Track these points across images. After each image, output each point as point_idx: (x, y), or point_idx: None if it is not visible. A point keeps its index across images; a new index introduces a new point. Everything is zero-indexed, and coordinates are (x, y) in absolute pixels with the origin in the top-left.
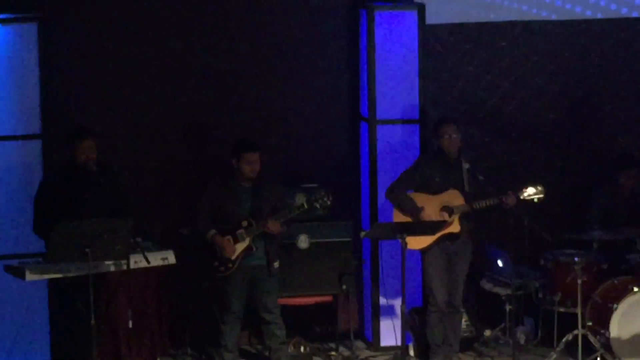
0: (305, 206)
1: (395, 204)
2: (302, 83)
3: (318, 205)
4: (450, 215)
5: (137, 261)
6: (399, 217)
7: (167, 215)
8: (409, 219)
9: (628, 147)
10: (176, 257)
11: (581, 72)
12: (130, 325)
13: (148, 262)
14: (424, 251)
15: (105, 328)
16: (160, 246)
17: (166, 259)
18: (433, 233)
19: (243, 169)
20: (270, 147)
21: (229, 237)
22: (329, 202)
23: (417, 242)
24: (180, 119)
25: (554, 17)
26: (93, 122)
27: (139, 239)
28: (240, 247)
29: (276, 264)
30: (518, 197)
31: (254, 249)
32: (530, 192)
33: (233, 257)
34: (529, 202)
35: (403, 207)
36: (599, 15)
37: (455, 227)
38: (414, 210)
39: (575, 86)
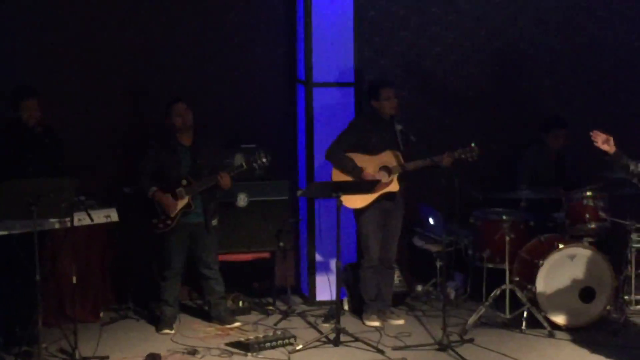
0: (245, 166)
1: (336, 165)
2: (240, 47)
3: (256, 166)
4: (389, 175)
5: (80, 219)
6: (338, 177)
7: (110, 174)
8: (348, 179)
9: (555, 109)
10: (119, 214)
11: (511, 37)
12: (75, 280)
13: (92, 219)
14: (360, 209)
15: (50, 284)
16: (104, 204)
17: (109, 216)
18: (368, 192)
19: (175, 121)
20: (209, 109)
21: (169, 194)
22: (267, 162)
23: (357, 201)
24: (122, 81)
25: None
26: (36, 82)
27: (82, 198)
28: (180, 204)
29: (215, 222)
30: (453, 157)
31: (193, 207)
32: (465, 152)
33: (172, 215)
34: (464, 161)
35: (344, 168)
36: None
37: (394, 187)
38: (355, 170)
39: (505, 50)
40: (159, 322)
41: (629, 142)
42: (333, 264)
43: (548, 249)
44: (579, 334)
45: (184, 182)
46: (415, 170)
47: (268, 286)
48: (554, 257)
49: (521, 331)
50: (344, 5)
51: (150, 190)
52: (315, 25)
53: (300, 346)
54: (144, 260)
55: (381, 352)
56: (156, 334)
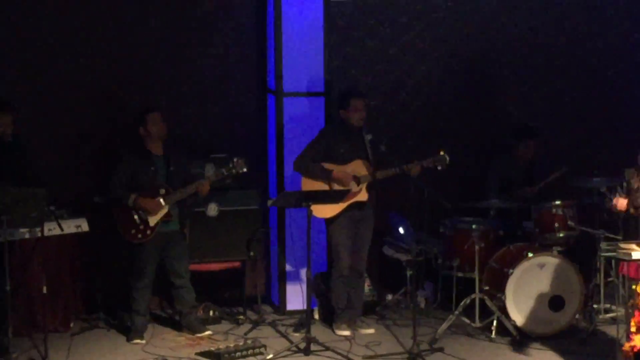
0: (225, 173)
1: (305, 174)
2: (210, 57)
3: (235, 172)
4: (358, 185)
5: (51, 229)
6: (307, 186)
7: (81, 184)
8: (317, 188)
9: (525, 119)
10: (89, 224)
11: (481, 46)
12: (45, 290)
13: (62, 229)
14: (329, 219)
15: (20, 294)
16: (74, 214)
17: (79, 226)
18: (338, 201)
19: (150, 130)
20: (180, 118)
21: (153, 198)
22: (245, 168)
23: (327, 211)
24: (93, 90)
25: None
26: (7, 92)
27: (53, 207)
28: (160, 213)
29: (185, 230)
30: (422, 166)
31: (172, 216)
32: (434, 160)
33: (152, 224)
34: (433, 170)
35: (313, 175)
36: None
37: (363, 196)
38: (324, 175)
39: (474, 60)
40: (129, 332)
41: (599, 151)
42: (303, 273)
43: (517, 257)
44: (549, 342)
45: (162, 191)
46: (384, 179)
47: (238, 296)
48: (523, 266)
49: (491, 340)
50: (314, 15)
51: (129, 198)
52: (285, 35)
53: (271, 355)
54: (115, 270)
55: None
56: (127, 344)
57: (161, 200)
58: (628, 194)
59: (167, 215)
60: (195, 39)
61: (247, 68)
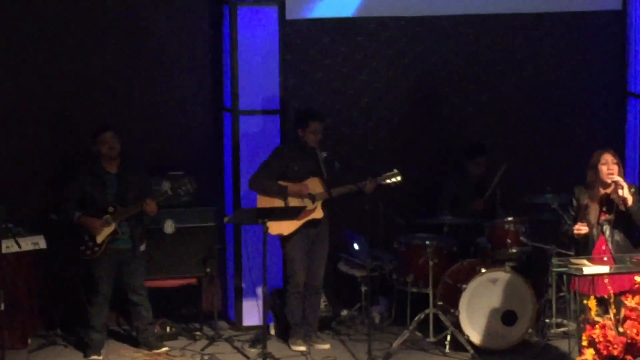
0: (170, 192)
1: (260, 192)
2: (167, 75)
3: (182, 192)
4: (313, 202)
5: (8, 246)
6: (263, 203)
7: (38, 202)
8: (273, 206)
9: (477, 137)
10: (47, 241)
11: (432, 66)
12: (2, 307)
13: (19, 246)
14: (285, 236)
15: None
16: (32, 231)
17: (37, 243)
18: (293, 218)
19: (102, 149)
20: (136, 136)
21: (95, 219)
22: (192, 189)
23: (285, 227)
24: (50, 108)
25: (406, 14)
26: None
27: (10, 225)
28: (107, 231)
29: (142, 247)
30: (377, 183)
31: (120, 233)
32: (388, 177)
33: (99, 241)
34: (387, 187)
35: (269, 192)
36: (448, 13)
37: (318, 213)
38: (280, 191)
39: (426, 79)
40: (86, 348)
41: (551, 168)
42: (259, 289)
43: (470, 273)
44: (502, 356)
45: (111, 209)
46: (339, 197)
47: (195, 312)
48: (476, 282)
49: (445, 354)
50: (269, 33)
51: (74, 215)
52: (241, 54)
53: None
54: (72, 287)
55: None
56: None
57: (109, 217)
58: (577, 211)
59: (114, 232)
60: (150, 57)
61: (203, 86)
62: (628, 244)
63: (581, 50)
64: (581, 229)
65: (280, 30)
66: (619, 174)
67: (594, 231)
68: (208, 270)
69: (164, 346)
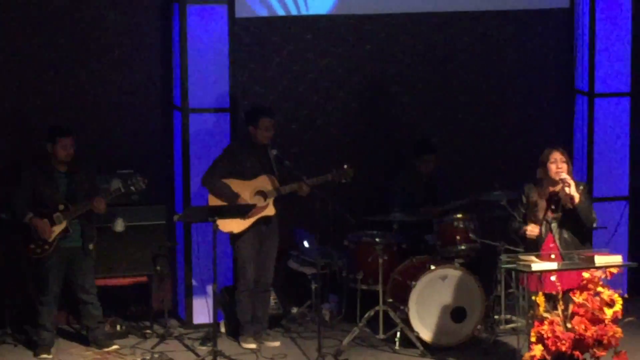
0: (122, 190)
1: (212, 191)
2: (117, 73)
3: (134, 189)
4: (264, 200)
5: None
6: (215, 202)
7: None
8: (224, 203)
9: (426, 134)
10: None
11: (381, 64)
12: None
13: None
14: (236, 234)
15: None
16: None
17: None
18: (243, 216)
19: (58, 153)
20: (86, 135)
21: (46, 220)
22: (144, 186)
23: (235, 225)
24: None
25: (356, 12)
26: None
27: None
28: (57, 229)
29: (91, 246)
30: (327, 180)
31: (70, 232)
32: (338, 174)
33: (50, 240)
34: (337, 184)
35: (220, 194)
36: (398, 11)
37: (270, 211)
38: (230, 197)
39: (376, 77)
40: (36, 347)
41: (500, 165)
42: (210, 287)
43: (420, 270)
44: (451, 353)
45: (61, 207)
46: (290, 194)
47: (145, 310)
48: (425, 278)
49: (394, 351)
50: (219, 32)
51: (25, 216)
52: (191, 52)
53: None
54: (21, 286)
55: None
56: (34, 359)
57: (60, 215)
58: (526, 208)
59: (65, 230)
60: (100, 54)
61: (153, 84)
62: (576, 241)
63: (530, 47)
64: (534, 230)
65: (230, 29)
66: (568, 172)
67: (543, 228)
68: (158, 268)
69: (114, 344)
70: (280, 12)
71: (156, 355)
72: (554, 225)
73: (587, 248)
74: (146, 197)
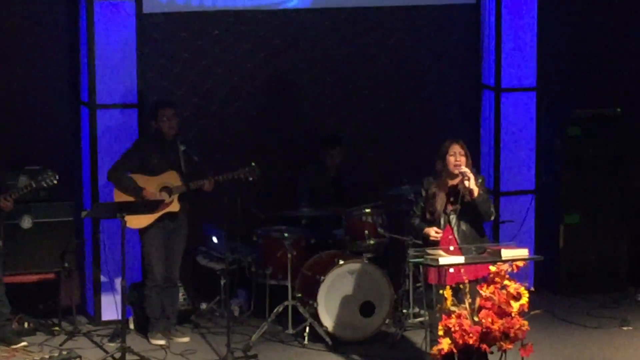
0: (34, 185)
1: (117, 186)
2: (24, 69)
3: (45, 184)
4: (170, 195)
5: None
6: (120, 197)
7: None
8: (130, 199)
9: (335, 128)
10: None
11: (289, 59)
12: None
13: None
14: (143, 230)
15: None
16: None
17: None
18: (152, 212)
19: None
20: None
21: None
22: (55, 181)
23: (139, 221)
24: None
25: (264, 7)
26: None
27: None
28: None
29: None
30: (235, 176)
31: None
32: (246, 171)
33: None
34: (246, 181)
35: (125, 189)
36: (305, 6)
37: (175, 207)
38: (135, 191)
39: (284, 72)
40: None
41: (407, 160)
42: (118, 283)
43: (329, 265)
44: (360, 347)
45: None
46: (198, 190)
47: (53, 307)
48: (334, 273)
49: (304, 346)
50: (127, 27)
51: None
52: (98, 48)
53: None
54: None
55: None
56: None
57: None
58: (426, 201)
59: None
60: (6, 49)
61: (61, 80)
62: (474, 234)
63: (437, 43)
64: (437, 236)
65: (138, 24)
66: (467, 165)
67: (442, 220)
68: (66, 265)
69: (22, 342)
70: (188, 8)
71: (64, 352)
72: (452, 217)
73: (484, 241)
74: (54, 194)
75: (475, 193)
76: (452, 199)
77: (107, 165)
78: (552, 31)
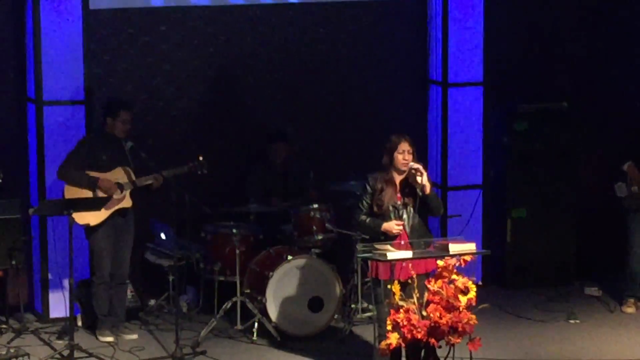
0: None
1: (69, 182)
2: None
3: None
4: (122, 191)
5: None
6: (71, 194)
7: None
8: (81, 196)
9: (281, 123)
10: None
11: (236, 55)
12: None
13: None
14: (91, 226)
15: None
16: None
17: None
18: (100, 208)
19: None
20: None
21: None
22: (1, 178)
23: (93, 218)
24: None
25: (211, 3)
26: None
27: None
28: None
29: None
30: (183, 171)
31: None
32: (193, 166)
33: None
34: (193, 176)
35: (78, 183)
36: (253, 2)
37: (127, 202)
38: (90, 182)
39: (231, 68)
40: None
41: (356, 155)
42: (66, 281)
43: (277, 260)
44: (309, 342)
45: None
46: (146, 186)
47: (0, 304)
48: (283, 269)
49: (252, 342)
50: (73, 23)
51: None
52: (44, 44)
53: None
54: None
55: None
56: None
57: None
58: (372, 196)
59: None
60: None
61: (6, 76)
62: (423, 228)
63: (384, 38)
64: (399, 228)
65: (84, 20)
66: (413, 161)
67: (391, 215)
68: (14, 262)
69: None
70: (135, 4)
71: (12, 350)
72: (402, 211)
73: (430, 236)
74: (0, 191)
75: (428, 189)
76: (406, 192)
77: (54, 162)
78: (498, 26)
